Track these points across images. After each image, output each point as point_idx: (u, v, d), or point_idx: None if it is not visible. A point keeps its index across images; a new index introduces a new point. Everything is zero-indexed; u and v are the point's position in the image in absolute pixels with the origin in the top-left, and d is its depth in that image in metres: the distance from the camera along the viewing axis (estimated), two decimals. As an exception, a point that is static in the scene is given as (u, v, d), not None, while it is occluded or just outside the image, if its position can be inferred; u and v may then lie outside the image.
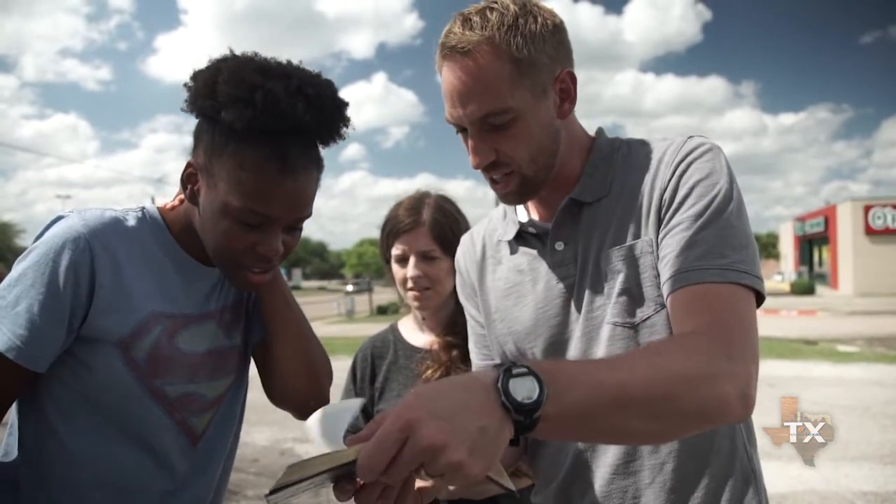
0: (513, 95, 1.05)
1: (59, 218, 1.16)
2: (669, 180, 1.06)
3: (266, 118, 1.06)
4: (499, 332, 1.27)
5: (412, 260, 1.64)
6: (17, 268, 1.12)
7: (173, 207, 1.27)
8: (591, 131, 1.25)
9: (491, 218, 1.37)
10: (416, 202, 1.69)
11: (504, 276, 1.26)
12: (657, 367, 0.83)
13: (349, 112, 1.16)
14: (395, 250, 1.66)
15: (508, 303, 1.24)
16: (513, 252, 1.25)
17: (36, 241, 1.14)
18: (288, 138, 1.10)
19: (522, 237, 1.23)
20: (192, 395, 1.23)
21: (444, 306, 1.70)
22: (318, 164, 1.17)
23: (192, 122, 1.20)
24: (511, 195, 1.16)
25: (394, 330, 1.79)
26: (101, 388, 1.14)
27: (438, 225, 1.64)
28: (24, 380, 1.12)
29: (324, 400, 1.38)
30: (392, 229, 1.67)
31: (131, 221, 1.20)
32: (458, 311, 1.65)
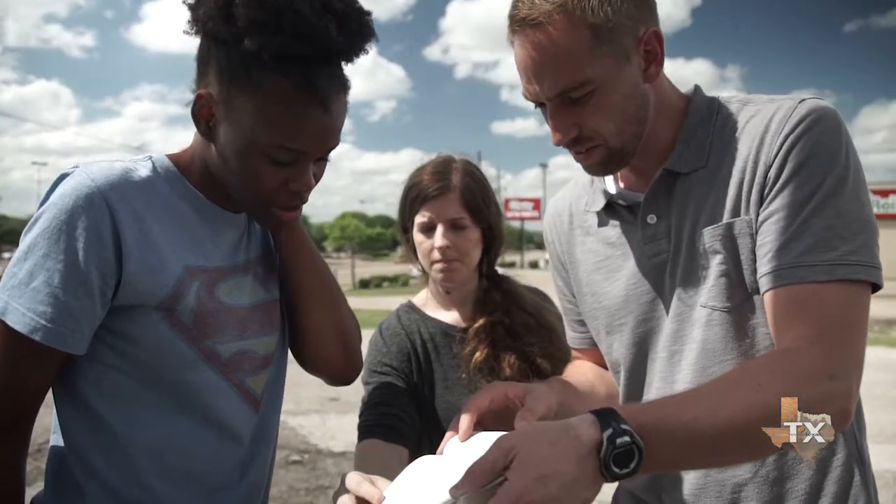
0: (592, 66, 0.97)
1: (64, 176, 1.03)
2: (776, 155, 0.95)
3: (297, 44, 0.95)
4: (590, 307, 1.22)
5: (440, 229, 1.50)
6: (25, 239, 0.99)
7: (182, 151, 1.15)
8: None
9: (576, 183, 1.28)
10: (443, 166, 1.55)
11: (594, 249, 1.19)
12: (757, 406, 0.81)
13: (373, 23, 1.05)
14: (421, 218, 1.52)
15: (599, 277, 1.18)
16: (601, 223, 1.18)
17: (41, 206, 1.01)
18: (318, 64, 1.00)
19: (612, 208, 1.16)
20: (244, 352, 1.12)
21: (470, 280, 1.59)
22: (345, 87, 1.06)
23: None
24: (596, 166, 1.08)
25: (413, 309, 1.65)
26: (150, 361, 1.03)
27: (469, 191, 1.51)
28: (58, 364, 1.00)
29: (358, 367, 1.31)
30: (418, 195, 1.53)
31: (143, 171, 1.07)
32: (489, 286, 1.60)
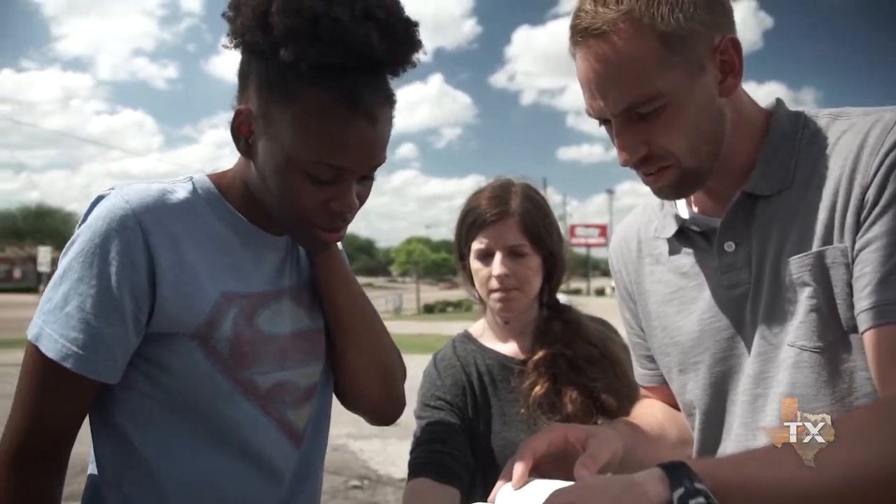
0: (662, 78, 0.88)
1: (100, 198, 1.00)
2: (875, 174, 0.85)
3: (335, 53, 0.90)
4: (660, 342, 1.11)
5: (498, 256, 1.43)
6: (62, 262, 0.97)
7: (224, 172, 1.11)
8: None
9: (645, 208, 1.18)
10: (502, 190, 1.48)
11: (665, 279, 1.09)
12: (857, 465, 0.73)
13: (420, 34, 0.98)
14: (478, 244, 1.46)
15: (670, 310, 1.07)
16: (673, 251, 1.07)
17: (78, 228, 0.99)
18: (359, 74, 0.93)
19: (684, 234, 1.05)
20: (284, 384, 1.06)
21: (529, 310, 1.51)
22: (391, 101, 1.00)
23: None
24: (667, 188, 0.98)
25: (469, 339, 1.57)
26: (184, 391, 0.99)
27: (529, 216, 1.44)
28: (91, 393, 0.97)
29: (400, 405, 1.22)
30: (476, 221, 1.46)
31: (181, 193, 1.03)
32: (550, 316, 1.52)
